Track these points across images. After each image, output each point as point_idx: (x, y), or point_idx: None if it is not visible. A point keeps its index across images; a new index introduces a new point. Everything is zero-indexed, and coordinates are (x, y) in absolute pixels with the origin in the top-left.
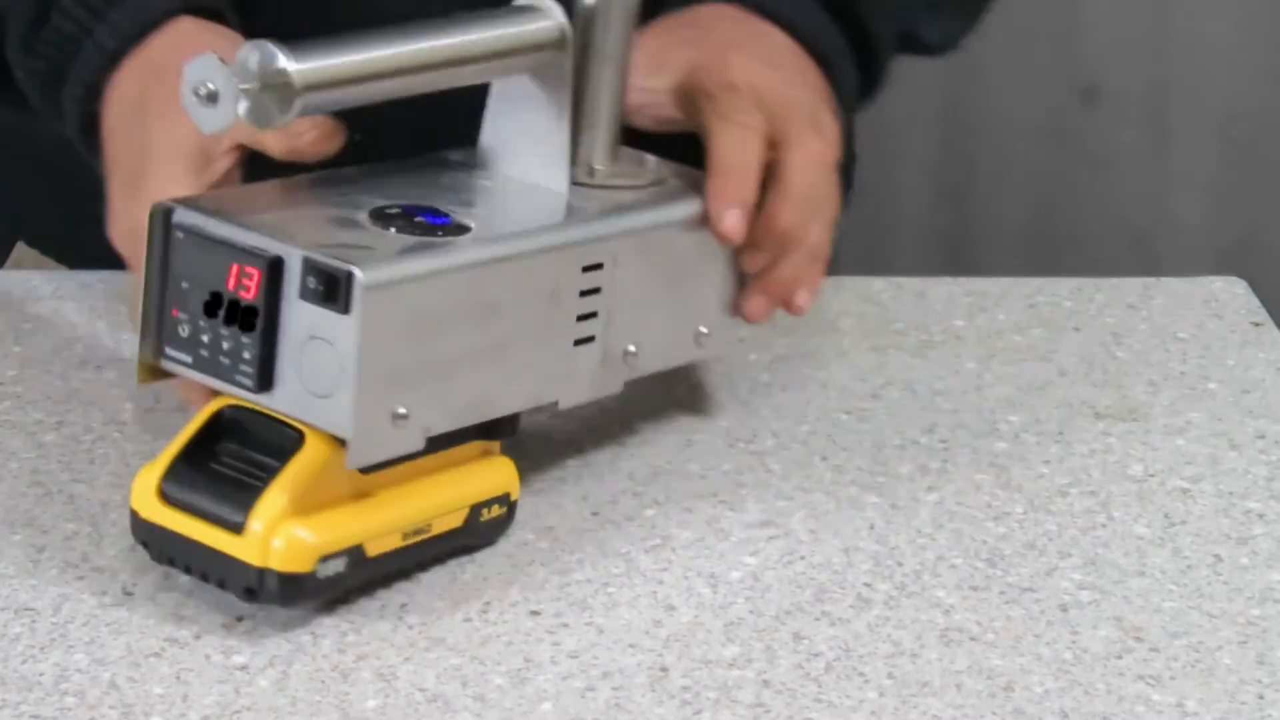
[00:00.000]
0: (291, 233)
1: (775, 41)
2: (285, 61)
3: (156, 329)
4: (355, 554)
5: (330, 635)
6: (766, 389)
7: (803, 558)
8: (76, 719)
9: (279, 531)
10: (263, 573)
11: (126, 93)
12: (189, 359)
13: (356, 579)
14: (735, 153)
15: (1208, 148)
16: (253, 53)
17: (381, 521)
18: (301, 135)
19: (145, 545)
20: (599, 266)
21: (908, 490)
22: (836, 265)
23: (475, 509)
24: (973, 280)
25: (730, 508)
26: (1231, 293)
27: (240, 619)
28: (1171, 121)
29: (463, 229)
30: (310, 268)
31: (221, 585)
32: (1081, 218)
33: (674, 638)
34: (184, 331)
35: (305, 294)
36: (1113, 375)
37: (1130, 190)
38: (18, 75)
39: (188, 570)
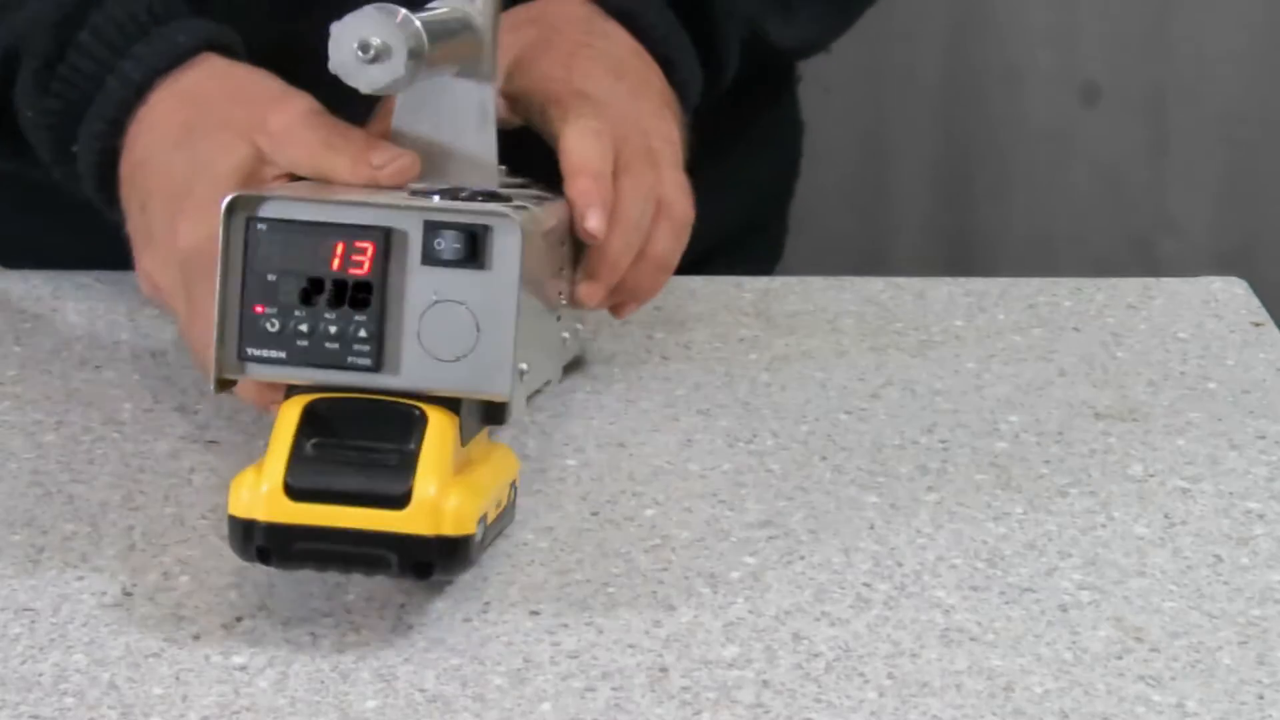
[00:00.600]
0: (388, 205)
1: (620, 45)
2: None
3: (237, 332)
4: (482, 521)
5: (330, 635)
6: (766, 389)
7: (803, 558)
8: (76, 719)
9: (447, 495)
10: (438, 541)
11: (163, 123)
12: (282, 355)
13: (481, 551)
14: (594, 156)
15: (1208, 148)
16: (402, 12)
17: (486, 491)
18: (384, 167)
19: (268, 555)
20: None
21: (908, 490)
22: (837, 265)
23: (512, 487)
24: (973, 280)
25: (730, 508)
26: (1231, 293)
27: (240, 619)
28: (1171, 122)
29: (504, 198)
30: (438, 230)
31: (379, 570)
32: (1081, 218)
33: (674, 638)
34: (273, 327)
35: (430, 258)
36: (1113, 375)
37: (1130, 190)
38: (26, 116)
39: (334, 565)
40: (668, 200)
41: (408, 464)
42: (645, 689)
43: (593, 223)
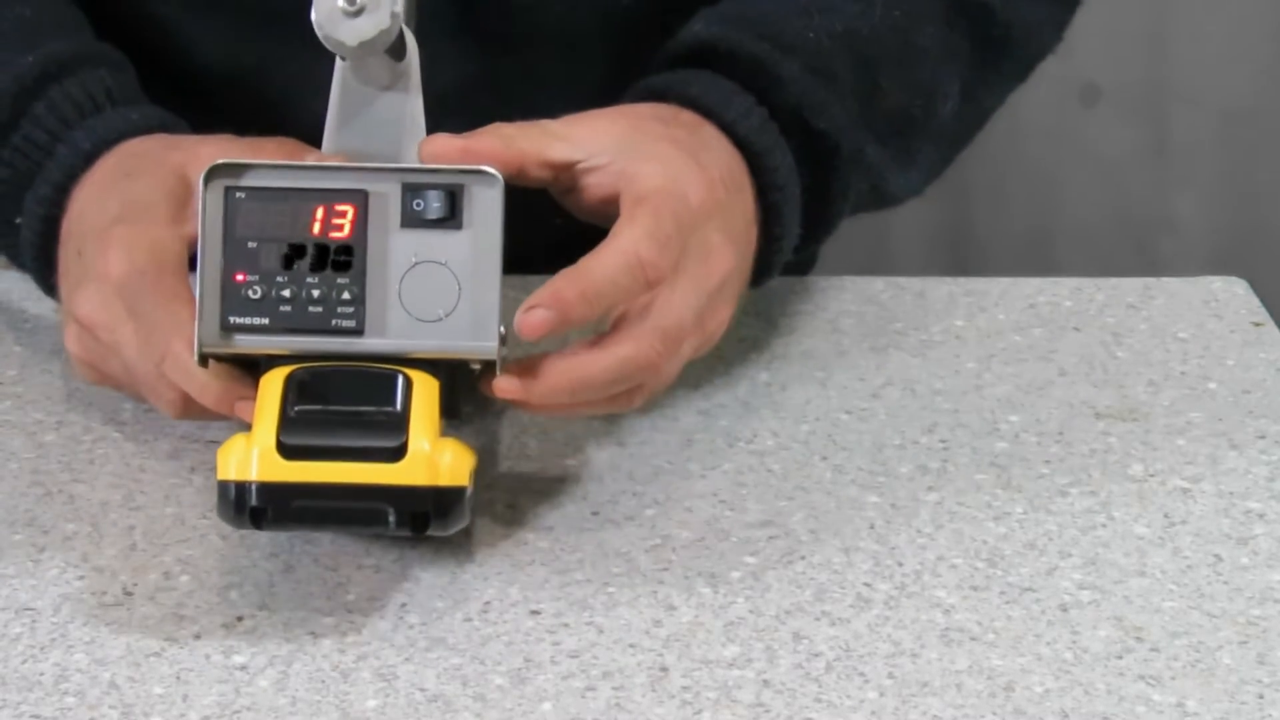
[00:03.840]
0: (366, 169)
1: (743, 206)
2: None
3: (219, 302)
4: (474, 477)
5: (330, 635)
6: (766, 389)
7: (803, 558)
8: (76, 719)
9: (442, 446)
10: (435, 492)
11: (101, 178)
12: (265, 321)
13: (468, 509)
14: (612, 277)
15: (1207, 148)
16: None
17: (471, 453)
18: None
19: (262, 516)
20: None
21: (908, 490)
22: (837, 265)
23: (474, 473)
24: (973, 280)
25: (730, 508)
26: (1231, 293)
27: (240, 618)
28: (1171, 121)
29: None
30: (418, 191)
31: (375, 524)
32: (1081, 217)
33: (674, 638)
34: (255, 294)
35: (410, 220)
36: (1113, 375)
37: (1130, 190)
38: None
39: (330, 523)
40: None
41: (398, 422)
42: (646, 689)
43: (532, 320)
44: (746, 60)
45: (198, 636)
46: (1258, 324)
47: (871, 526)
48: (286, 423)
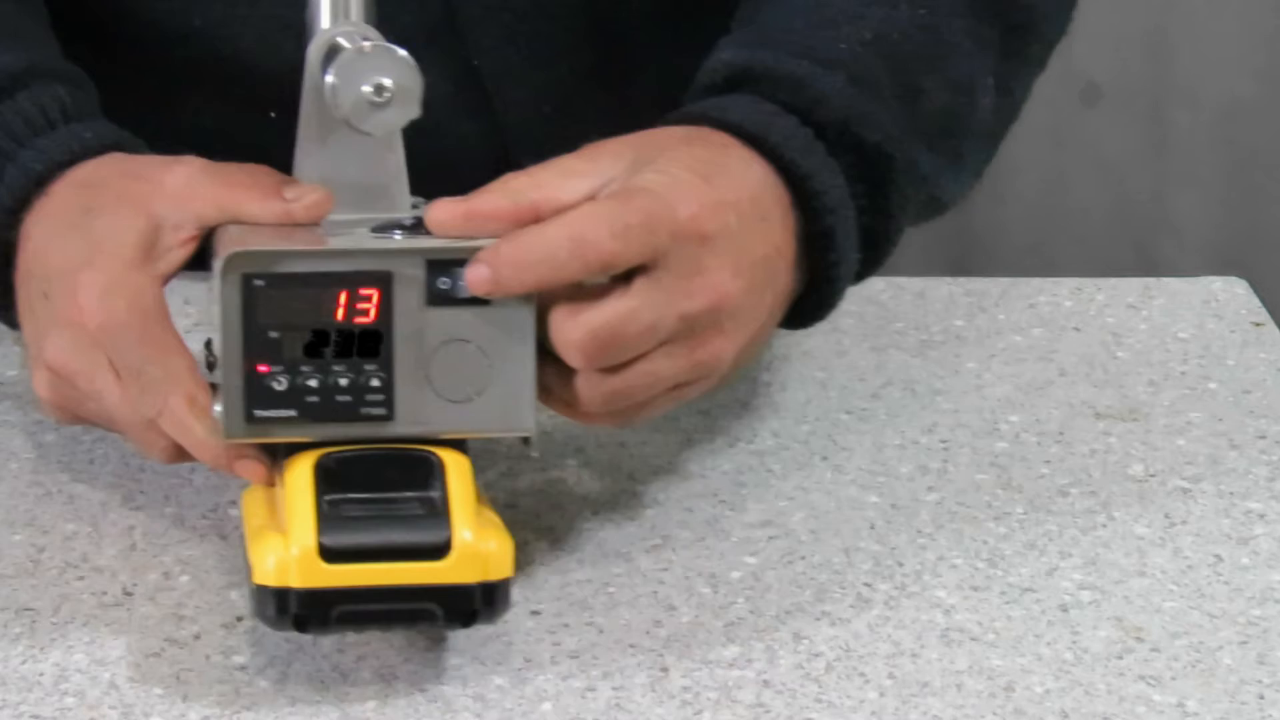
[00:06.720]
0: (386, 249)
1: (765, 236)
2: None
3: (242, 394)
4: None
5: (330, 635)
6: (766, 389)
7: (803, 558)
8: (77, 719)
9: (486, 538)
10: (483, 588)
11: (60, 210)
12: (292, 413)
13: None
14: (549, 250)
15: (1208, 148)
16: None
17: (500, 521)
18: (298, 199)
19: (305, 623)
20: None
21: (908, 490)
22: None
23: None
24: (973, 280)
25: (730, 508)
26: (1231, 293)
27: (240, 619)
28: (1171, 121)
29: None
30: (444, 268)
31: (420, 623)
32: (1081, 218)
33: (674, 638)
34: (280, 385)
35: (436, 298)
36: (1113, 375)
37: (1130, 190)
38: None
39: (375, 625)
40: (702, 371)
41: (437, 511)
42: (646, 689)
43: (475, 274)
44: (786, 80)
45: (197, 637)
46: (1258, 324)
47: (871, 526)
48: (323, 519)
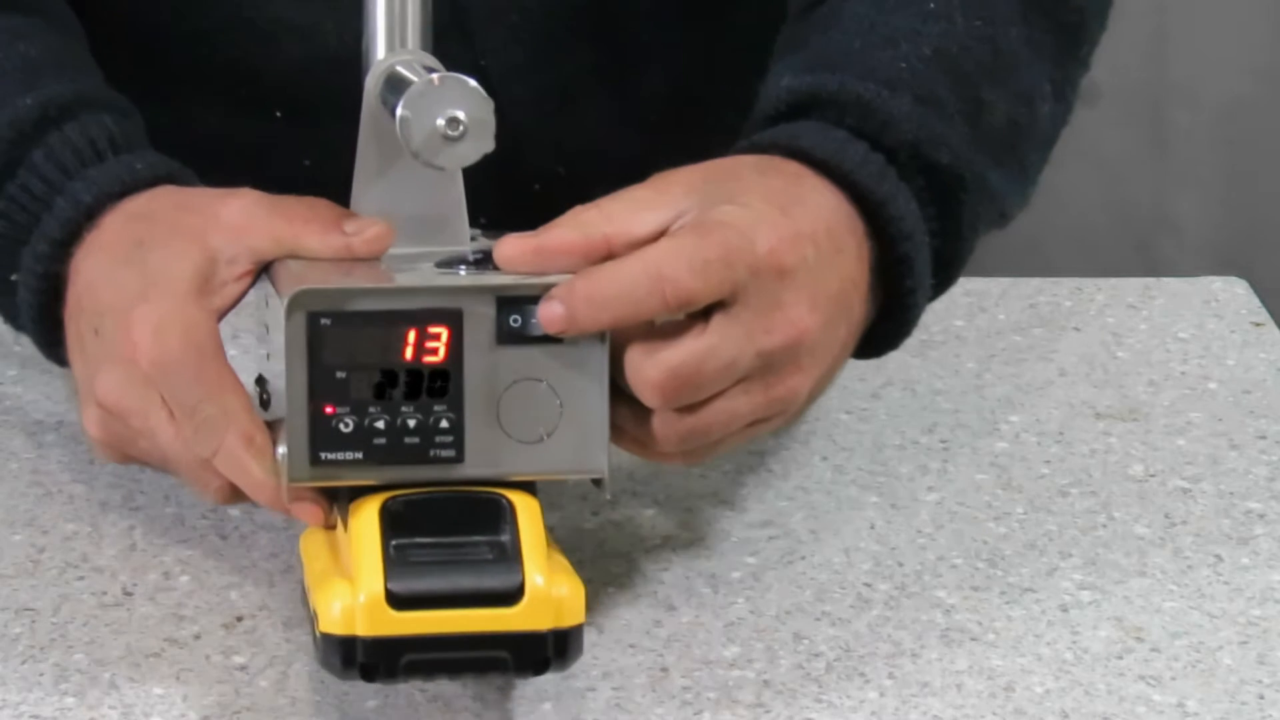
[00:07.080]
0: (456, 286)
1: (841, 268)
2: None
3: (307, 436)
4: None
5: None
6: None
7: (803, 558)
8: (76, 719)
9: (558, 583)
10: (555, 635)
11: (112, 243)
12: (359, 455)
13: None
14: (626, 287)
15: (1207, 147)
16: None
17: (569, 565)
18: (358, 234)
19: (373, 672)
20: None
21: (908, 490)
22: None
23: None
24: (973, 280)
25: (730, 508)
26: (1231, 293)
27: (240, 619)
28: (1171, 121)
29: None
30: (515, 305)
31: (490, 672)
32: (1081, 217)
33: (674, 638)
34: (347, 427)
35: (506, 336)
36: (1113, 375)
37: (1130, 190)
38: None
39: (444, 674)
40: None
41: (507, 556)
42: (646, 689)
43: (541, 307)
44: (852, 104)
45: (197, 637)
46: (1258, 324)
47: (871, 526)
48: (390, 565)
